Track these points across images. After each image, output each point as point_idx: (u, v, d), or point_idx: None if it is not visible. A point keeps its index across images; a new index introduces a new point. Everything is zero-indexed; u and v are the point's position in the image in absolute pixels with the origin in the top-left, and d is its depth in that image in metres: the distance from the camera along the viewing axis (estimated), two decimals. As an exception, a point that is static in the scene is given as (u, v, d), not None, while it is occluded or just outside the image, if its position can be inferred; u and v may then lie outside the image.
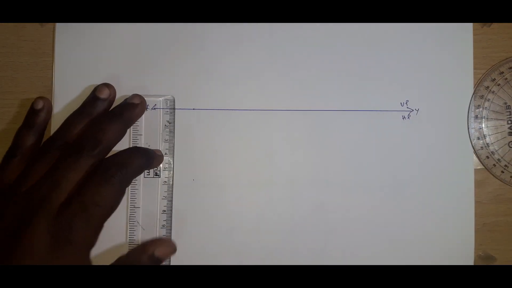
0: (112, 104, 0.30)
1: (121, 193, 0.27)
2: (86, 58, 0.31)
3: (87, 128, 0.28)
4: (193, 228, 0.31)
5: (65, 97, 0.31)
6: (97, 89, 0.29)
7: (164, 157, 0.30)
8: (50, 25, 0.31)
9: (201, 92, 0.31)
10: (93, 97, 0.29)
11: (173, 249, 0.28)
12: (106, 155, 0.27)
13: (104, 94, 0.29)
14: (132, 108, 0.29)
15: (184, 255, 0.28)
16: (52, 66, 0.31)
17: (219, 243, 0.31)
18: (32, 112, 0.29)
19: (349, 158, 0.31)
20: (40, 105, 0.29)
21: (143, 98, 0.30)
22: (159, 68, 0.31)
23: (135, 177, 0.28)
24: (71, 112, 0.29)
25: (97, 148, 0.27)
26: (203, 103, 0.31)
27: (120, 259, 0.27)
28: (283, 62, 0.31)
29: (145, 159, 0.28)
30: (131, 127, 0.30)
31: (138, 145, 0.30)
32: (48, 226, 0.24)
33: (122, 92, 0.31)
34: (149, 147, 0.30)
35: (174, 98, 0.31)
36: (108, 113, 0.29)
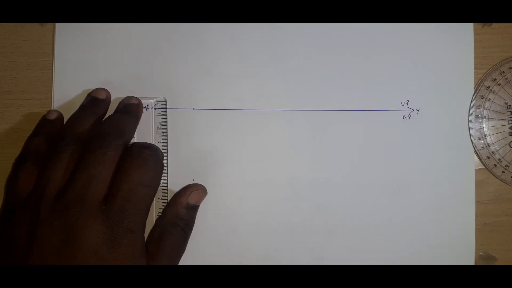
0: (109, 104, 0.30)
1: (161, 171, 0.27)
2: (86, 58, 0.31)
3: (106, 123, 0.28)
4: (193, 228, 0.30)
5: (65, 97, 0.31)
6: (93, 91, 0.30)
7: None
8: (50, 25, 0.31)
9: (201, 92, 0.31)
10: (92, 98, 0.29)
11: (203, 191, 0.29)
12: (128, 144, 0.27)
13: (102, 95, 0.29)
14: (136, 107, 0.29)
15: (184, 255, 0.28)
16: (52, 66, 0.31)
17: (219, 243, 0.31)
18: (45, 122, 0.29)
19: (349, 158, 0.31)
20: (54, 115, 0.29)
21: (139, 99, 0.30)
22: (159, 67, 0.31)
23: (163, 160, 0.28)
24: (71, 111, 0.29)
25: (123, 138, 0.26)
26: (203, 103, 0.31)
27: (158, 220, 0.27)
28: (283, 62, 0.31)
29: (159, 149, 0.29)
30: None
31: None
32: (102, 222, 0.24)
33: (123, 92, 0.30)
34: None
35: (165, 99, 0.31)
36: (117, 112, 0.29)
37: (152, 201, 0.26)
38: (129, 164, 0.25)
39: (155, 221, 0.27)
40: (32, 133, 0.29)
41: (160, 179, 0.27)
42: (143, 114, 0.30)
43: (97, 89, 0.30)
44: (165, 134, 0.31)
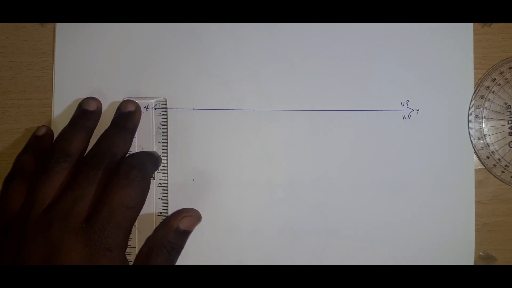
0: (100, 115, 0.30)
1: (146, 191, 0.27)
2: (86, 58, 0.31)
3: (99, 143, 0.28)
4: (194, 228, 0.30)
5: (65, 97, 0.31)
6: (83, 103, 0.29)
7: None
8: (50, 25, 0.31)
9: (201, 92, 0.31)
10: (82, 111, 0.29)
11: (197, 217, 0.28)
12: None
13: (92, 106, 0.29)
14: (132, 116, 0.29)
15: (184, 255, 0.28)
16: (52, 66, 0.31)
17: (219, 243, 0.31)
18: (35, 139, 0.29)
19: (349, 158, 0.31)
20: (42, 131, 0.29)
21: (136, 102, 0.30)
22: (159, 68, 0.31)
23: (151, 175, 0.28)
24: (71, 111, 0.29)
25: (116, 158, 0.27)
26: (203, 103, 0.31)
27: (148, 239, 0.27)
28: (283, 62, 0.31)
29: (153, 159, 0.29)
30: None
31: (131, 149, 0.30)
32: (82, 240, 0.24)
33: (123, 92, 0.31)
34: (142, 149, 0.30)
35: (166, 99, 0.31)
36: (113, 126, 0.29)
37: (133, 222, 0.26)
38: (114, 185, 0.26)
39: (146, 239, 0.27)
40: (22, 150, 0.29)
41: (145, 198, 0.27)
42: (143, 114, 0.30)
43: (87, 99, 0.29)
44: (165, 134, 0.31)
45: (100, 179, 0.26)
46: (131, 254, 0.29)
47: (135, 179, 0.26)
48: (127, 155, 0.28)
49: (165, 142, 0.31)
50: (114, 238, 0.25)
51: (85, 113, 0.29)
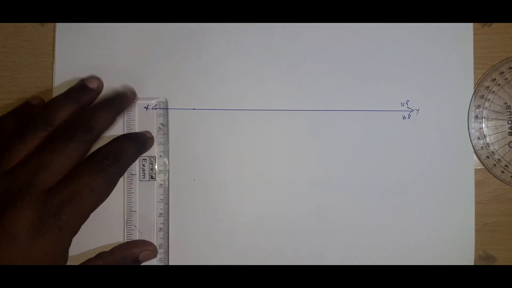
0: (98, 94, 0.29)
1: (115, 183, 0.26)
2: (86, 58, 0.31)
3: (78, 114, 0.27)
4: (193, 229, 0.30)
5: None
6: (86, 78, 0.29)
7: (159, 160, 0.30)
8: (50, 25, 0.31)
9: (201, 92, 0.31)
10: (81, 85, 0.29)
11: (155, 254, 0.29)
12: (96, 142, 0.27)
13: (93, 84, 0.29)
14: (124, 97, 0.29)
15: (184, 255, 0.28)
16: (52, 66, 0.31)
17: (219, 243, 0.31)
18: (26, 105, 0.29)
19: (349, 158, 0.31)
20: (36, 101, 0.29)
21: (133, 88, 0.30)
22: (159, 68, 0.31)
23: (130, 165, 0.28)
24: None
25: (89, 134, 0.26)
26: (203, 103, 0.31)
27: (101, 254, 0.27)
28: (283, 62, 0.31)
29: (138, 145, 0.28)
30: (125, 129, 0.30)
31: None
32: (35, 209, 0.23)
33: (122, 92, 0.31)
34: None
35: (167, 100, 0.31)
36: (99, 101, 0.29)
37: (93, 208, 0.25)
38: (84, 167, 0.25)
39: (99, 253, 0.27)
40: (9, 111, 0.29)
41: (112, 189, 0.26)
42: (144, 114, 0.30)
43: (91, 76, 0.29)
44: (166, 135, 0.31)
45: (70, 152, 0.25)
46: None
47: (107, 168, 0.25)
48: (112, 139, 0.28)
49: (166, 143, 0.31)
50: (68, 218, 0.24)
51: (83, 88, 0.29)
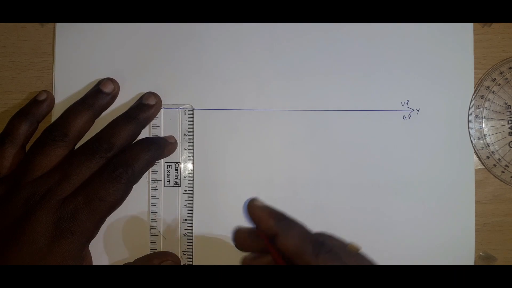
0: (114, 99, 0.30)
1: (127, 191, 0.27)
2: (86, 58, 0.31)
3: (105, 131, 0.28)
4: (193, 229, 0.30)
5: (65, 97, 0.31)
6: (101, 82, 0.29)
7: (184, 166, 0.30)
8: (50, 25, 0.31)
9: (201, 92, 0.31)
10: (97, 90, 0.29)
11: (176, 263, 0.29)
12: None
13: (108, 88, 0.29)
14: (148, 109, 0.29)
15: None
16: (52, 66, 0.31)
17: (219, 243, 0.31)
18: (33, 102, 0.29)
19: (350, 158, 0.31)
20: (43, 96, 0.29)
21: (159, 98, 0.30)
22: (159, 67, 0.31)
23: (145, 172, 0.28)
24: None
25: (111, 151, 0.27)
26: (203, 103, 0.31)
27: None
28: (283, 62, 0.31)
29: (154, 152, 0.28)
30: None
31: None
32: (53, 216, 0.25)
33: (123, 91, 0.30)
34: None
35: (192, 106, 0.31)
36: (124, 115, 0.29)
37: (106, 215, 0.27)
38: (98, 176, 0.27)
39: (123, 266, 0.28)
40: (17, 112, 0.29)
41: (125, 196, 0.27)
42: (170, 121, 0.30)
43: (106, 80, 0.30)
44: (191, 141, 0.31)
45: (92, 165, 0.27)
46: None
47: (118, 177, 0.26)
48: (129, 145, 0.28)
49: (191, 149, 0.31)
50: (80, 223, 0.26)
51: (98, 93, 0.29)
